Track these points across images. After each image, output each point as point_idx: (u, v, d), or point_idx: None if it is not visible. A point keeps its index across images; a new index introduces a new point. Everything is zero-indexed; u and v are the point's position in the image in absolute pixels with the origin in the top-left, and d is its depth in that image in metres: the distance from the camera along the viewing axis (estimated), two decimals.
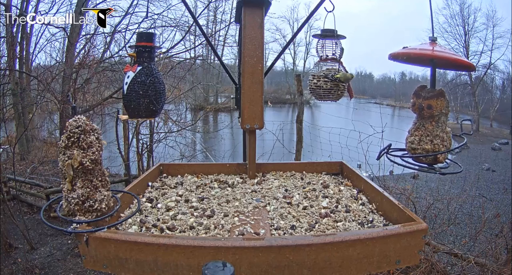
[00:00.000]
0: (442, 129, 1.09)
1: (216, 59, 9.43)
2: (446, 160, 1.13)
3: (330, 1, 1.48)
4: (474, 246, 3.27)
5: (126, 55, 5.97)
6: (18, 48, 7.48)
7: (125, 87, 1.16)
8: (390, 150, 1.20)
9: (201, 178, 1.58)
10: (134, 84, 1.15)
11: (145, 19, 6.47)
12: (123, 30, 6.72)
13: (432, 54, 1.04)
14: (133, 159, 5.41)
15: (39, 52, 7.98)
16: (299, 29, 2.03)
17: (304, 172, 1.64)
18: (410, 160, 1.16)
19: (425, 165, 1.13)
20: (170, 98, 5.48)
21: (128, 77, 1.16)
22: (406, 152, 1.17)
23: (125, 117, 1.21)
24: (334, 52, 1.55)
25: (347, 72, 1.53)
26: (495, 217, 3.61)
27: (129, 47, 1.29)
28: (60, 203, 0.95)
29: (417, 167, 1.16)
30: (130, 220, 1.11)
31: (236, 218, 1.14)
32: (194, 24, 5.85)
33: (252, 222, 1.12)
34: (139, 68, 1.16)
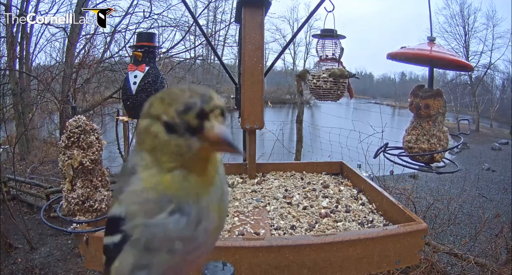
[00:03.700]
0: (439, 128, 1.10)
1: (216, 59, 9.43)
2: (444, 160, 1.14)
3: (330, 1, 1.48)
4: (474, 246, 3.27)
5: (127, 55, 5.96)
6: (18, 48, 7.45)
7: (134, 87, 1.15)
8: (387, 149, 1.20)
9: None
10: (144, 84, 1.16)
11: (145, 19, 6.46)
12: (123, 30, 6.71)
13: (430, 55, 1.05)
14: None
15: (39, 52, 7.96)
16: (299, 29, 2.04)
17: (304, 172, 1.64)
18: (407, 158, 1.17)
19: (422, 164, 1.13)
20: None
21: (136, 76, 1.16)
22: (403, 151, 1.18)
23: (125, 118, 1.21)
24: (334, 52, 1.55)
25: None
26: (495, 217, 3.61)
27: (129, 47, 1.30)
28: (60, 203, 0.96)
29: (414, 166, 1.16)
30: None
31: (236, 218, 1.14)
32: (194, 24, 5.85)
33: (252, 222, 1.12)
34: (147, 68, 1.16)
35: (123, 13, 6.69)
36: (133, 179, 0.41)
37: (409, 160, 1.16)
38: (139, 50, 1.17)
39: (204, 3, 7.43)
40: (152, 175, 0.40)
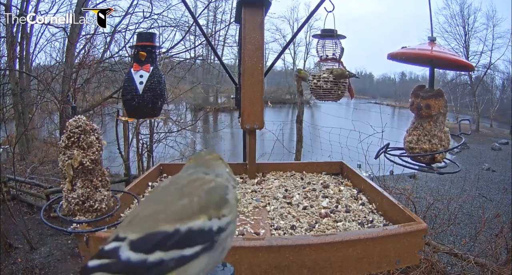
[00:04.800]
0: (440, 128, 1.09)
1: (216, 59, 9.43)
2: (445, 160, 1.13)
3: (330, 1, 1.48)
4: (474, 246, 3.27)
5: (127, 55, 5.96)
6: (18, 48, 7.46)
7: (140, 86, 1.16)
8: (388, 150, 1.20)
9: None
10: (151, 83, 1.16)
11: (145, 19, 6.46)
12: (123, 30, 6.71)
13: (431, 55, 1.04)
14: (133, 159, 5.42)
15: (39, 52, 7.97)
16: (299, 29, 2.03)
17: (304, 172, 1.64)
18: (408, 159, 1.16)
19: (423, 165, 1.13)
20: (170, 98, 5.48)
21: (142, 76, 1.16)
22: (404, 151, 1.17)
23: (126, 118, 1.22)
24: (334, 52, 1.55)
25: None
26: (495, 217, 3.61)
27: (130, 47, 1.30)
28: (60, 203, 0.95)
29: (415, 167, 1.16)
30: None
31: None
32: (194, 24, 5.85)
33: (252, 222, 1.12)
34: (151, 67, 1.17)
35: (123, 13, 6.70)
36: (230, 195, 0.54)
37: (410, 161, 1.16)
38: (142, 50, 1.17)
39: (204, 3, 7.43)
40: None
